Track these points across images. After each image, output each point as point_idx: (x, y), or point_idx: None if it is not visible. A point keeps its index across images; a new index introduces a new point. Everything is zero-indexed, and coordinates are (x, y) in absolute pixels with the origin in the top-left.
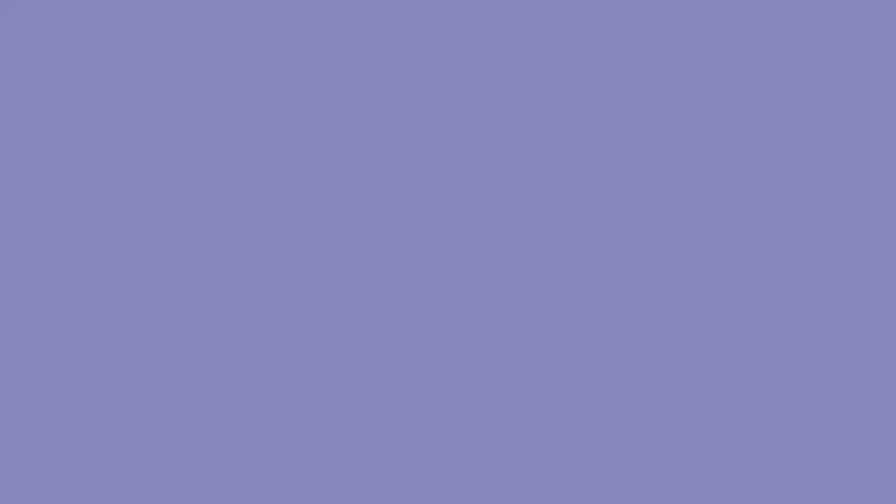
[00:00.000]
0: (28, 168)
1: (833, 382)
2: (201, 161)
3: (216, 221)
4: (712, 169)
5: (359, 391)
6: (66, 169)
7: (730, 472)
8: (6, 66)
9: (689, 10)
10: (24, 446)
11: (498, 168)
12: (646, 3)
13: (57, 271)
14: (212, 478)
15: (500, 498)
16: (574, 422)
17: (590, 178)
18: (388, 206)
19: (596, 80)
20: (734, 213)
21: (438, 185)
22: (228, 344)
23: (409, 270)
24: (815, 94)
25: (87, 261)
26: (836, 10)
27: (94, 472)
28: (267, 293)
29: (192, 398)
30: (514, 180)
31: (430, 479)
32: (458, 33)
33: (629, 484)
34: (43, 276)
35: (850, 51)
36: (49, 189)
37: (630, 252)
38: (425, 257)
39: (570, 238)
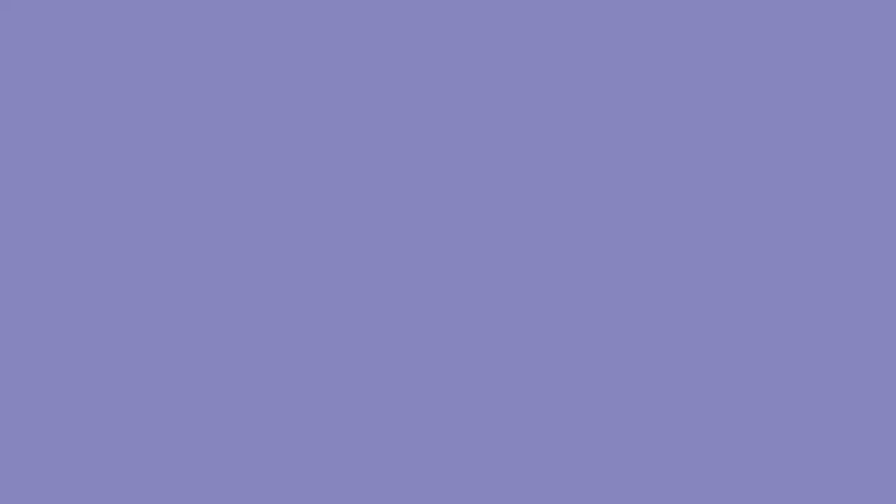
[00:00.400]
0: (28, 168)
1: (833, 382)
2: (201, 161)
3: (216, 221)
4: (712, 169)
5: (359, 391)
6: (66, 169)
7: (730, 472)
8: (6, 66)
9: (689, 11)
10: (25, 446)
11: (497, 168)
12: (646, 3)
13: (57, 271)
14: (212, 478)
15: (501, 498)
16: (574, 422)
17: (589, 178)
18: (388, 206)
19: (596, 80)
20: (734, 213)
21: (438, 184)
22: (228, 343)
23: (408, 270)
24: (815, 94)
25: (87, 261)
26: (836, 10)
27: (95, 472)
28: (267, 293)
29: (193, 398)
30: (514, 180)
31: (430, 479)
32: (458, 33)
33: (629, 484)
34: (43, 276)
35: (851, 51)
36: (49, 189)
37: (630, 252)
38: (425, 257)
39: (569, 237)
